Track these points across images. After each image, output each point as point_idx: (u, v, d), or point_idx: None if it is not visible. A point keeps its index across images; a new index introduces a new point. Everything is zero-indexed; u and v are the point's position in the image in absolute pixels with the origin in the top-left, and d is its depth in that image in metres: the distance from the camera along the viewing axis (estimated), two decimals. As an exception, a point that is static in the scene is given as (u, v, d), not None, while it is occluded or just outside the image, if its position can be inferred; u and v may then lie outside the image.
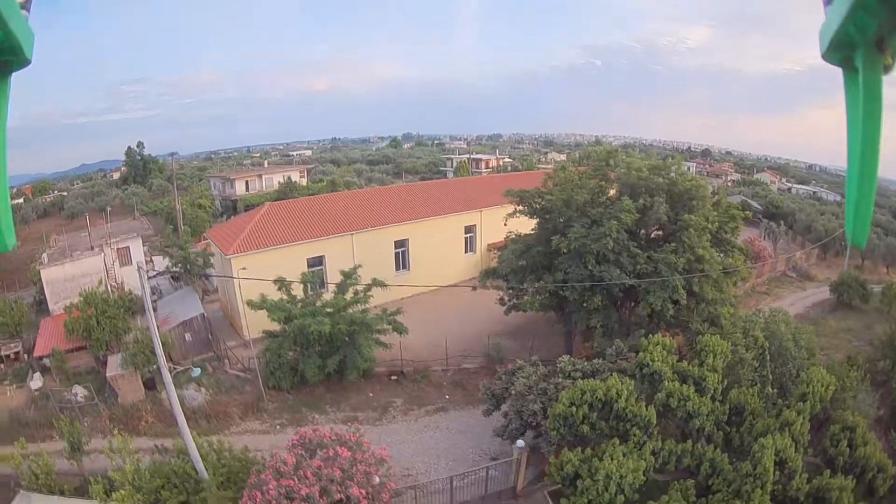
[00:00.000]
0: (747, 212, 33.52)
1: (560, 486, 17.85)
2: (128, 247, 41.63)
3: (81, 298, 30.22)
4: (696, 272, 25.52)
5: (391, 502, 17.85)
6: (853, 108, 1.03)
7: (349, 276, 28.63)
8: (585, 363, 22.05)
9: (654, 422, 17.74)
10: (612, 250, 25.21)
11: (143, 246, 44.98)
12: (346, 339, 26.99)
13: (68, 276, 34.88)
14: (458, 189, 50.21)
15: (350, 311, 27.45)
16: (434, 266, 40.11)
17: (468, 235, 45.23)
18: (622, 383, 18.32)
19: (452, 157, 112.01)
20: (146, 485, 17.21)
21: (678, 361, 20.18)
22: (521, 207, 30.05)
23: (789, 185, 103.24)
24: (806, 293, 46.27)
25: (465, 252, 45.23)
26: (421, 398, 27.96)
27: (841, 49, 1.01)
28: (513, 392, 21.41)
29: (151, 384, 27.53)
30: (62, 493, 18.69)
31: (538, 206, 29.42)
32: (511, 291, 30.23)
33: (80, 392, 27.03)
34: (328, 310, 27.13)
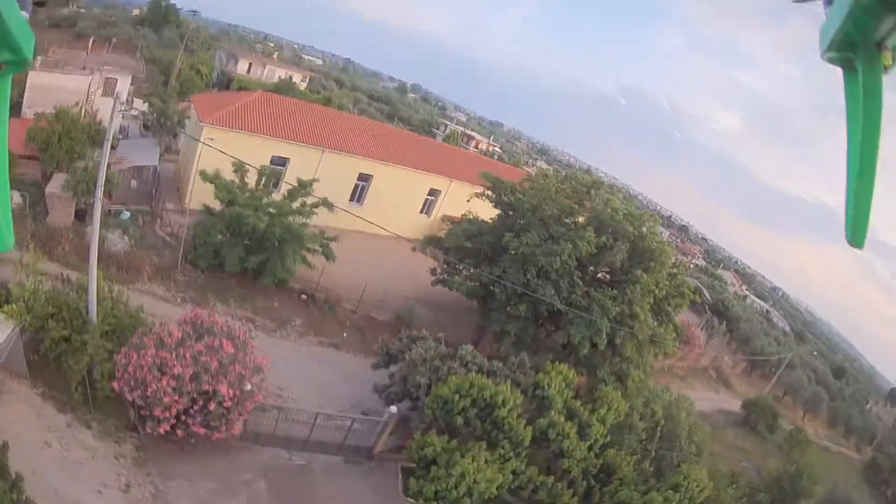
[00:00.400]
0: (697, 296, 33.88)
1: (414, 465, 17.93)
2: (116, 79, 40.54)
3: (54, 111, 29.50)
4: (626, 327, 25.61)
5: (253, 413, 17.83)
6: (853, 109, 1.02)
7: (304, 186, 28.13)
8: (486, 361, 21.97)
9: (527, 444, 17.81)
10: (556, 270, 25.16)
11: (130, 85, 43.97)
12: (276, 244, 26.64)
13: (51, 87, 33.67)
14: (440, 152, 50.17)
15: (290, 219, 27.08)
16: (387, 212, 39.41)
17: (430, 198, 44.93)
18: (511, 394, 18.29)
19: (448, 122, 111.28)
20: (39, 308, 17.04)
21: (573, 398, 20.30)
22: (490, 193, 29.94)
23: (747, 293, 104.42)
24: (718, 397, 46.46)
25: (421, 212, 44.95)
26: (321, 327, 27.87)
27: (841, 49, 1.01)
28: (407, 358, 21.36)
29: (82, 215, 26.99)
30: None
31: (506, 200, 29.31)
32: (446, 266, 30.18)
33: (15, 196, 26.14)
34: (271, 210, 26.77)
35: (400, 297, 31.95)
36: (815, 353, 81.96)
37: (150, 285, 25.44)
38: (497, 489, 16.67)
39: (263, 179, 28.32)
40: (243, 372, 16.80)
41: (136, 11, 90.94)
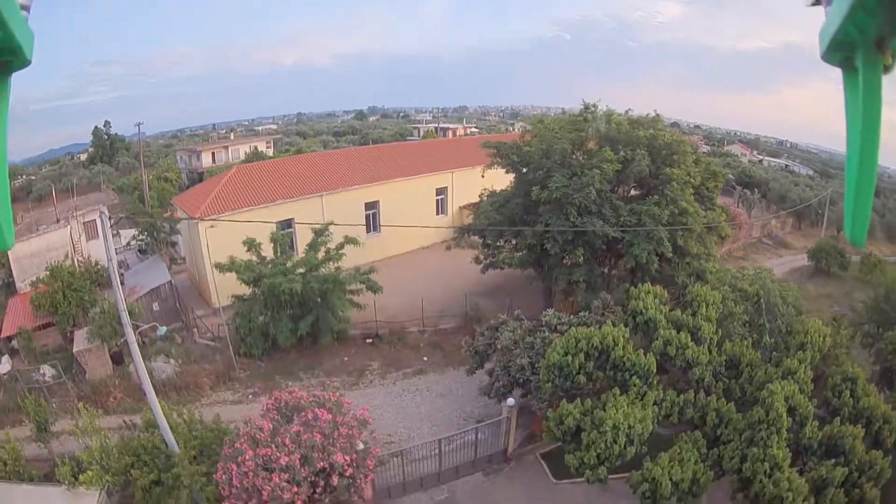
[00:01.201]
0: (728, 172, 32.88)
1: (559, 443, 16.62)
2: (94, 220, 39.50)
3: (47, 273, 28.50)
4: (681, 225, 24.48)
5: (376, 470, 16.52)
6: (853, 108, 0.99)
7: (321, 233, 27.00)
8: (571, 316, 20.88)
9: (654, 371, 16.57)
10: (594, 201, 24.08)
11: (110, 220, 42.97)
12: (319, 299, 25.46)
13: (34, 252, 32.64)
14: (428, 151, 48.77)
15: (322, 270, 25.92)
16: (405, 228, 38.54)
17: (439, 197, 43.84)
18: (618, 330, 17.09)
19: (419, 126, 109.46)
20: (115, 464, 15.73)
21: (670, 311, 19.02)
22: (498, 159, 28.81)
23: (760, 157, 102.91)
24: (782, 259, 46.06)
25: (437, 214, 43.79)
26: (398, 361, 26.61)
27: (841, 49, 0.97)
28: (498, 346, 20.15)
29: (119, 358, 25.82)
30: (30, 480, 17.17)
31: (516, 159, 28.07)
32: (487, 249, 28.99)
33: (47, 371, 25.02)
34: (300, 270, 25.55)
35: (457, 298, 30.70)
36: (837, 185, 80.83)
37: (216, 394, 24.35)
38: (651, 425, 15.38)
39: (279, 246, 27.09)
40: (350, 432, 15.46)
41: (82, 156, 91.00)
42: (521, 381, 18.93)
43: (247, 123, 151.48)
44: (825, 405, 16.80)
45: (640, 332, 18.44)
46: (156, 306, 30.03)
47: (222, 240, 28.37)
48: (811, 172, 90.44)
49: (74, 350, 25.68)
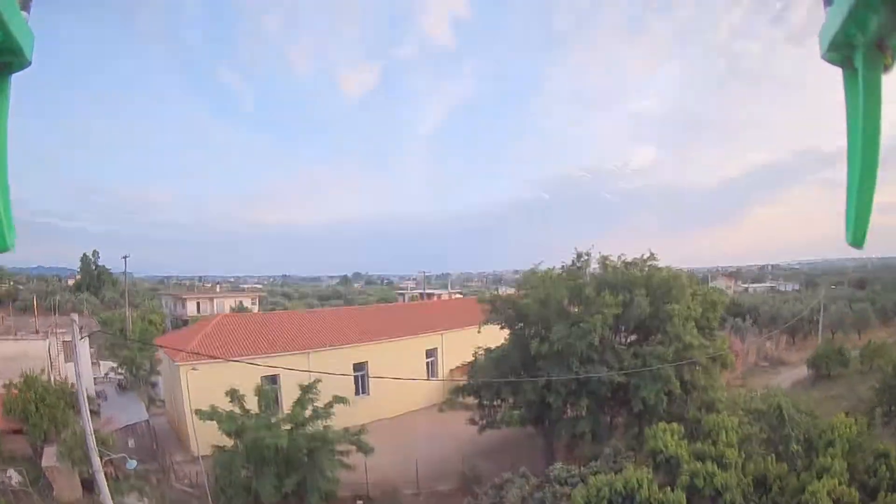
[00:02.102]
0: (724, 297, 32.48)
1: None
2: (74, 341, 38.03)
3: (21, 379, 27.25)
4: (687, 360, 23.79)
5: None
6: (853, 108, 0.98)
7: (309, 389, 25.46)
8: (582, 468, 19.71)
9: None
10: (596, 349, 23.34)
11: (91, 348, 41.62)
12: (306, 458, 23.56)
13: (11, 356, 31.54)
14: (417, 312, 48.45)
15: (309, 427, 24.22)
16: (396, 390, 36.87)
17: (430, 360, 42.53)
18: (640, 472, 16.12)
19: (404, 292, 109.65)
20: None
21: (688, 446, 18.18)
22: (493, 315, 28.14)
23: (745, 286, 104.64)
24: (782, 377, 45.54)
25: (428, 377, 42.19)
26: (392, 524, 24.30)
27: (841, 49, 0.98)
28: None
29: (91, 486, 23.57)
30: None
31: (512, 313, 27.32)
32: (484, 409, 27.82)
33: (14, 476, 23.67)
34: (285, 426, 23.90)
35: (453, 459, 28.66)
36: (832, 286, 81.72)
37: (193, 548, 21.73)
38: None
39: (264, 400, 25.57)
40: None
41: (70, 281, 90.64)
42: None
43: (232, 280, 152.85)
44: (862, 488, 15.88)
45: (661, 471, 17.48)
46: (131, 443, 28.40)
47: (204, 386, 27.09)
48: (797, 287, 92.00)
49: (43, 464, 24.19)
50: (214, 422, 23.63)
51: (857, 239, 1.00)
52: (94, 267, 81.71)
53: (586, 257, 27.66)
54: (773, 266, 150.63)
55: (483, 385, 26.65)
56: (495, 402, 27.26)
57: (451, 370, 41.88)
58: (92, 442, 14.93)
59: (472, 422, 27.87)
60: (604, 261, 27.24)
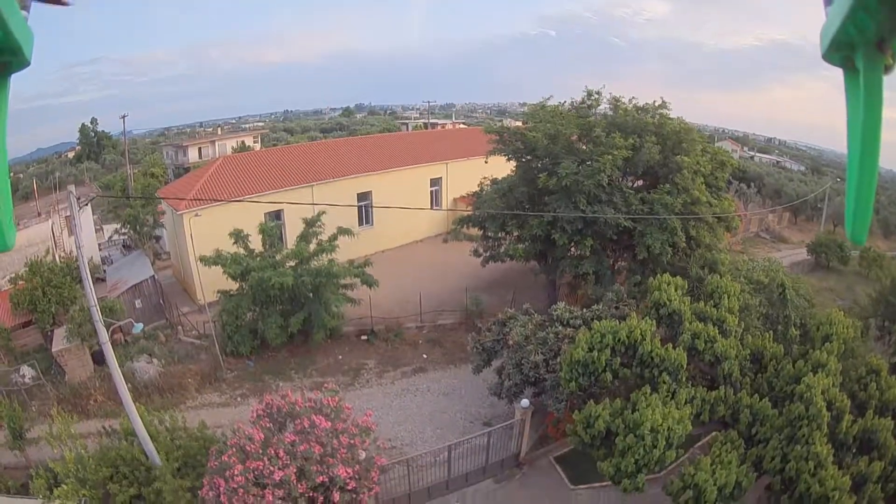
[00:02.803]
0: (735, 160, 31.57)
1: (573, 446, 15.22)
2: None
3: (26, 269, 26.66)
4: (693, 214, 23.19)
5: (380, 480, 14.60)
6: (853, 109, 0.97)
7: (312, 223, 25.11)
8: (584, 310, 19.24)
9: (685, 366, 15.03)
10: (604, 189, 22.59)
11: (94, 214, 41.15)
12: (311, 294, 23.52)
13: (15, 247, 30.47)
14: (421, 141, 46.62)
15: (314, 262, 23.98)
16: (399, 221, 36.64)
17: (434, 189, 41.75)
18: (645, 323, 15.61)
19: (408, 122, 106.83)
20: (91, 476, 13.77)
21: (691, 303, 17.60)
22: (501, 146, 27.03)
23: (751, 153, 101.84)
24: (781, 254, 44.72)
25: (432, 207, 41.76)
26: (396, 358, 24.68)
27: (841, 49, 0.95)
28: (510, 343, 18.40)
29: (101, 358, 23.18)
30: (7, 492, 15.80)
31: (521, 146, 26.26)
32: (488, 241, 27.30)
33: (27, 373, 23.21)
34: (290, 263, 23.70)
35: (456, 293, 28.86)
36: (838, 178, 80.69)
37: (202, 397, 22.40)
38: (689, 425, 14.00)
39: (268, 238, 25.19)
40: (352, 441, 13.50)
41: (70, 154, 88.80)
42: (534, 379, 17.19)
43: (234, 122, 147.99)
44: (851, 397, 15.59)
45: (663, 325, 17.05)
46: (138, 303, 28.08)
47: (208, 232, 26.58)
48: (803, 169, 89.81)
49: (53, 350, 23.83)
50: (220, 267, 23.45)
51: (856, 235, 0.97)
52: (93, 134, 79.83)
53: (596, 96, 26.35)
54: (780, 141, 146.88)
55: (488, 217, 26.06)
56: (500, 235, 26.82)
57: (455, 199, 41.43)
58: (97, 314, 14.29)
59: (476, 254, 27.61)
60: (615, 102, 26.04)
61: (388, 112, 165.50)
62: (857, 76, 0.95)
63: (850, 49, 0.94)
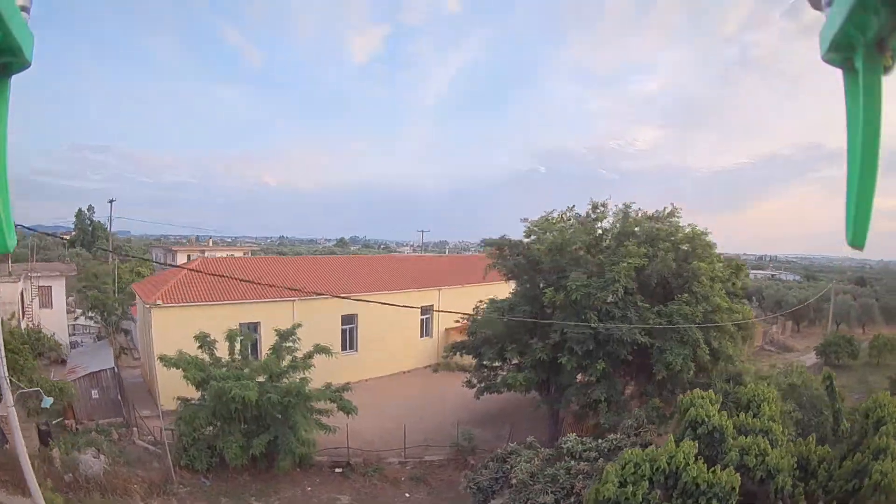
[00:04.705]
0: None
1: None
2: (50, 287, 34.91)
3: None
4: (713, 324, 20.70)
5: None
6: (853, 110, 0.94)
7: (287, 336, 21.95)
8: (600, 441, 16.49)
9: (736, 489, 12.18)
10: (617, 304, 19.94)
11: (70, 297, 39.62)
12: (279, 415, 19.92)
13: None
14: (414, 265, 43.65)
15: (286, 380, 20.69)
16: (386, 348, 33.48)
17: (425, 317, 38.20)
18: (687, 445, 12.90)
19: (401, 254, 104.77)
20: None
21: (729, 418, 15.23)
22: (500, 262, 24.60)
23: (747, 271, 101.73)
24: (789, 362, 42.03)
25: (422, 336, 38.27)
26: (374, 496, 20.54)
27: (841, 50, 0.93)
28: (513, 482, 15.31)
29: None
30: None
31: (522, 261, 23.65)
32: (483, 370, 24.45)
33: None
34: (259, 378, 20.35)
35: (444, 427, 25.09)
36: (832, 281, 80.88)
37: (149, 506, 18.70)
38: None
39: (238, 345, 22.04)
40: None
41: (66, 235, 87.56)
42: None
43: (229, 240, 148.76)
44: None
45: (702, 444, 14.16)
46: (95, 394, 25.10)
47: (175, 330, 23.77)
48: (798, 278, 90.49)
49: None
50: (182, 371, 20.28)
51: (856, 240, 0.94)
52: (88, 222, 77.96)
53: (602, 209, 23.96)
54: (771, 257, 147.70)
55: (484, 342, 23.33)
56: (496, 364, 24.04)
57: (448, 329, 38.03)
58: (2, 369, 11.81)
59: (469, 385, 24.50)
60: (626, 209, 23.70)
61: (381, 246, 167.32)
62: (857, 77, 0.91)
63: (850, 50, 0.90)
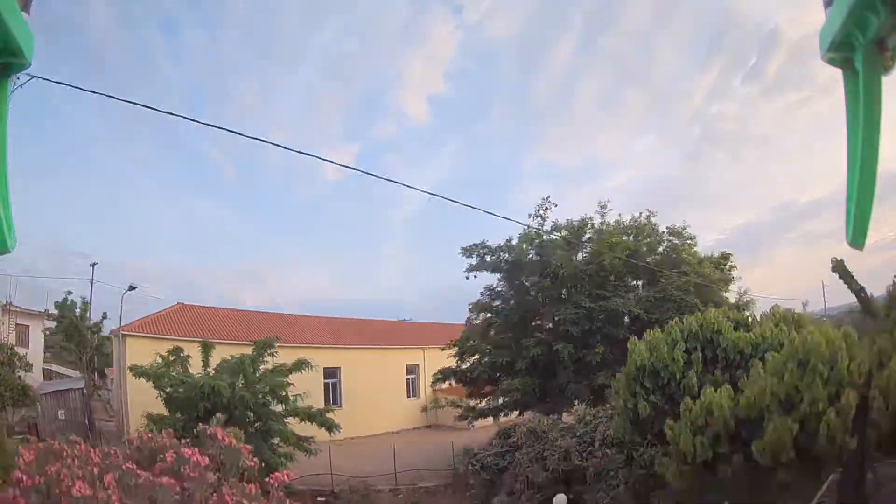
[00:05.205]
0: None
1: None
2: (27, 326, 34.54)
3: None
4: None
5: None
6: (853, 109, 0.95)
7: (266, 345, 20.12)
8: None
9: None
10: (610, 281, 20.84)
11: (47, 352, 38.99)
12: (254, 427, 18.11)
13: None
14: (399, 328, 43.24)
15: (262, 384, 18.77)
16: (372, 406, 31.93)
17: (410, 377, 37.11)
18: (720, 312, 12.42)
19: None
20: None
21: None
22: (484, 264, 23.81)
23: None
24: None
25: (409, 396, 36.97)
26: (365, 525, 18.19)
27: (841, 49, 0.94)
28: (520, 444, 14.90)
29: None
30: None
31: (508, 258, 23.01)
32: (476, 388, 23.69)
33: None
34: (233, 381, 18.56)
35: (438, 464, 22.74)
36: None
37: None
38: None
39: (212, 357, 20.42)
40: None
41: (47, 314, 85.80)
42: (567, 475, 12.69)
43: None
44: None
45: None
46: (61, 414, 24.49)
47: (147, 359, 21.46)
48: None
49: None
50: (151, 411, 18.33)
51: (857, 239, 0.95)
52: (69, 319, 77.30)
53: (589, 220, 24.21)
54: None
55: (477, 365, 22.93)
56: (484, 391, 23.55)
57: (434, 390, 36.11)
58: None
59: (462, 417, 23.64)
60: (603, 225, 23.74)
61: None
62: (857, 77, 0.91)
63: (850, 50, 0.90)
